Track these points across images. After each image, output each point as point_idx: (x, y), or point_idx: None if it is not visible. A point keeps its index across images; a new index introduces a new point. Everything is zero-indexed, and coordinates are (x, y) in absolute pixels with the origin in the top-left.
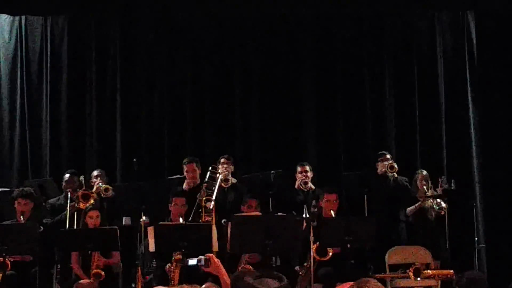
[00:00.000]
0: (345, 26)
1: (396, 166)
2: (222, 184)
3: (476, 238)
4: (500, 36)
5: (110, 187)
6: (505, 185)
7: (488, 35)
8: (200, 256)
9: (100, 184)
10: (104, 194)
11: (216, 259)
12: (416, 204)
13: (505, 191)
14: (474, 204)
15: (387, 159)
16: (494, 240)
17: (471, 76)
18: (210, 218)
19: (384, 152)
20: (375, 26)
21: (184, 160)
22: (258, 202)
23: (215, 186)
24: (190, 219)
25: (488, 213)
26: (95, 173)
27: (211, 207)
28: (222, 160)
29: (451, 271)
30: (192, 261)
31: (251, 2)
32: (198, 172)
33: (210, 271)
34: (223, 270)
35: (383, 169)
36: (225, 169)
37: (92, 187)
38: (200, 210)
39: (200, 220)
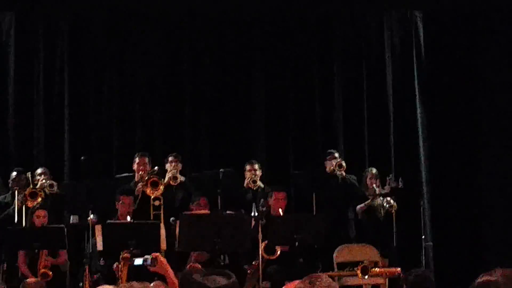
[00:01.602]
0: (295, 25)
1: (344, 164)
2: (171, 182)
3: (423, 236)
4: (448, 35)
5: (54, 183)
6: (452, 183)
7: (436, 35)
8: (146, 256)
9: (44, 180)
10: (49, 190)
11: (162, 258)
12: (366, 202)
13: (452, 189)
14: (422, 202)
15: (335, 158)
16: (441, 238)
17: (419, 75)
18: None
19: (332, 150)
20: (324, 25)
21: (137, 154)
22: (208, 201)
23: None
24: (134, 207)
25: (436, 211)
26: (39, 171)
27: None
28: (170, 159)
29: (399, 269)
30: (138, 261)
31: (205, 1)
32: (148, 167)
33: (156, 271)
34: (170, 270)
35: (332, 168)
36: (173, 167)
37: (36, 184)
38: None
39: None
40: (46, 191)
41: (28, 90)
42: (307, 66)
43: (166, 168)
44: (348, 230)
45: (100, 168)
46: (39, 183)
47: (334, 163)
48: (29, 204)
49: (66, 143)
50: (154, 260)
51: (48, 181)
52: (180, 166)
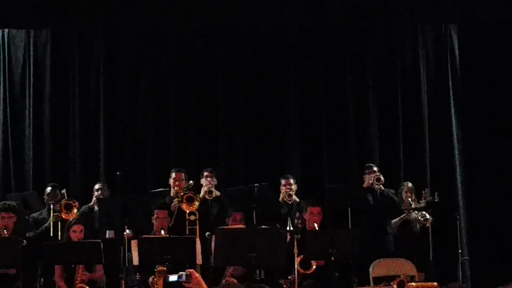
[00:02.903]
0: (329, 39)
1: (382, 178)
2: (206, 197)
3: (459, 250)
4: (483, 49)
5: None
6: (488, 197)
7: (471, 49)
8: (181, 272)
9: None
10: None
11: (197, 274)
12: (401, 216)
13: (488, 203)
14: (458, 217)
15: (374, 172)
16: (477, 252)
17: (454, 89)
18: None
19: (371, 164)
20: (358, 39)
21: (173, 169)
22: (243, 215)
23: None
24: (171, 224)
25: (472, 225)
26: (97, 186)
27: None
28: (205, 173)
29: (435, 283)
30: (173, 277)
31: (237, 15)
32: (184, 183)
33: (191, 287)
34: (204, 285)
35: (370, 182)
36: (209, 182)
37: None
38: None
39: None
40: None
41: (64, 105)
42: (341, 81)
43: (201, 183)
44: (387, 244)
45: (135, 183)
46: (94, 198)
47: (373, 177)
48: (64, 216)
49: (101, 158)
50: (189, 276)
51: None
52: (215, 180)
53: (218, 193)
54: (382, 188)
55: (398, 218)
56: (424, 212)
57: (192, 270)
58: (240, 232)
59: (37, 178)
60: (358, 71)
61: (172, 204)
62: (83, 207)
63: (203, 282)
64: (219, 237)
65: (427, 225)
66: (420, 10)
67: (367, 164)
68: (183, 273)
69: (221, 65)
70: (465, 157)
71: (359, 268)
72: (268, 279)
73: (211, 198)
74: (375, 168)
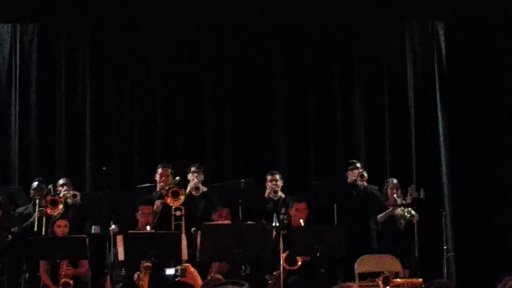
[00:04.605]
0: (316, 35)
1: (366, 174)
2: (193, 193)
3: (445, 247)
4: (470, 45)
5: (78, 193)
6: (473, 194)
7: (457, 45)
8: (178, 266)
9: (66, 191)
10: (72, 200)
11: (192, 269)
12: (387, 211)
13: (473, 200)
14: (443, 213)
15: (357, 168)
16: (462, 248)
17: (440, 86)
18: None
19: (354, 160)
20: (345, 35)
21: (160, 165)
22: (229, 211)
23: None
24: (155, 221)
25: (457, 221)
26: (61, 181)
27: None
28: (192, 169)
29: (420, 279)
30: (170, 271)
31: (224, 10)
32: (170, 179)
33: (186, 281)
34: (200, 280)
35: (353, 178)
36: (195, 177)
37: (59, 194)
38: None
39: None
40: (69, 201)
41: (50, 100)
42: (328, 76)
43: (188, 178)
44: (370, 241)
45: (121, 178)
46: (62, 193)
47: (356, 174)
48: (50, 212)
49: (87, 153)
50: (184, 270)
51: (71, 191)
52: (202, 176)
53: (205, 189)
54: (366, 184)
55: (384, 213)
56: (410, 209)
57: (188, 264)
58: (226, 228)
59: (23, 173)
60: (345, 68)
61: (155, 205)
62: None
63: (198, 277)
64: (205, 233)
65: (414, 221)
66: (407, 6)
67: (351, 161)
68: (179, 267)
69: (208, 61)
70: (451, 154)
71: (344, 264)
72: (253, 275)
73: (198, 194)
74: (358, 165)
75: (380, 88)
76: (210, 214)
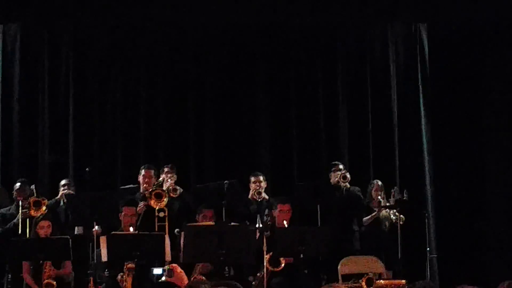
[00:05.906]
0: (299, 36)
1: (348, 176)
2: (171, 194)
3: (428, 248)
4: (453, 48)
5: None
6: (456, 196)
7: (440, 48)
8: (165, 266)
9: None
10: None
11: (179, 270)
12: (373, 214)
13: (456, 202)
14: (426, 214)
15: (340, 169)
16: (445, 250)
17: (423, 87)
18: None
19: (337, 162)
20: (328, 36)
21: (143, 166)
22: (214, 213)
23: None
24: (138, 223)
25: (440, 223)
26: (63, 182)
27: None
28: (165, 169)
29: (403, 281)
30: (157, 270)
31: (205, 14)
32: (153, 180)
33: (173, 281)
34: (186, 280)
35: (336, 179)
36: (169, 178)
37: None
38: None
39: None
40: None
41: (33, 101)
42: (311, 78)
43: (161, 178)
44: (353, 242)
45: (104, 179)
46: (60, 193)
47: (339, 175)
48: (33, 213)
49: (70, 154)
50: (171, 271)
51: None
52: (175, 176)
53: (181, 190)
54: (348, 185)
55: (370, 215)
56: (395, 211)
57: (175, 265)
58: (209, 229)
59: (5, 174)
60: (328, 69)
61: (138, 207)
62: (50, 201)
63: (185, 277)
64: (188, 234)
65: (400, 223)
66: (390, 9)
67: (333, 162)
68: (166, 267)
69: (191, 63)
70: (434, 156)
71: (327, 266)
72: (237, 276)
73: (176, 195)
74: (341, 166)
75: (364, 90)
76: (185, 214)
